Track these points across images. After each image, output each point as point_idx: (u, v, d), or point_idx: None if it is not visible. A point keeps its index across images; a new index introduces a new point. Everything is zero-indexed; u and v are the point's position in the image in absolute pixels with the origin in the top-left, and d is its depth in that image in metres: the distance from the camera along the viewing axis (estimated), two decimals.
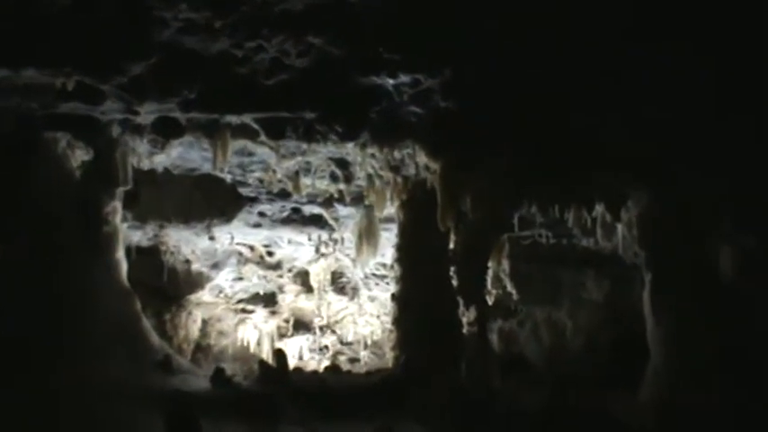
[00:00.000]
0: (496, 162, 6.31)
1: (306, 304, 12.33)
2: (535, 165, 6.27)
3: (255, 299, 12.01)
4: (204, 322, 11.75)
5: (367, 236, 9.23)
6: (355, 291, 12.22)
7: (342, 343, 12.51)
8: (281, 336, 12.33)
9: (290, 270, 11.82)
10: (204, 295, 11.49)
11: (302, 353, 12.39)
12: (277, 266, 11.62)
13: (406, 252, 8.05)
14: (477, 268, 6.89)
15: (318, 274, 11.71)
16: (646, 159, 6.06)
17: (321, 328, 12.46)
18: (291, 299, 12.29)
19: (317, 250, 10.93)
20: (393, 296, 8.21)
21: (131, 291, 7.64)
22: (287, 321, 12.41)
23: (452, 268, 6.98)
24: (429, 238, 7.39)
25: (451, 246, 6.97)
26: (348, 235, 9.97)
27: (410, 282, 7.89)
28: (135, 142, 6.78)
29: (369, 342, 12.39)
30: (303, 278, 11.89)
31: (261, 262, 11.45)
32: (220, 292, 11.78)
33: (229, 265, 11.31)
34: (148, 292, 9.87)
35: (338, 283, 12.10)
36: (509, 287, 9.16)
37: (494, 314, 9.30)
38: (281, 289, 12.08)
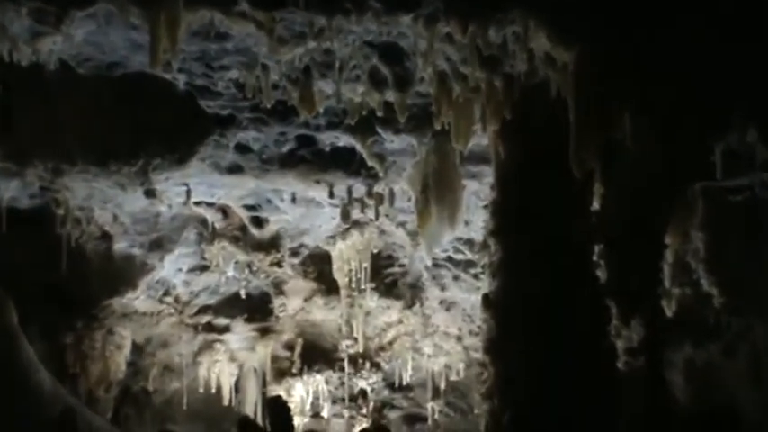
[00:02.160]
0: (682, 48, 6.51)
1: (325, 316, 12.95)
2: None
3: (232, 306, 12.44)
4: (138, 349, 12.36)
5: (438, 189, 9.61)
6: (417, 291, 12.65)
7: (392, 387, 13.11)
8: (280, 374, 12.90)
9: (294, 253, 12.23)
10: (137, 300, 11.91)
11: (320, 404, 12.99)
12: (272, 246, 12.00)
13: (511, 218, 8.23)
14: (643, 248, 7.05)
15: (348, 261, 12.02)
16: None
17: (354, 360, 12.88)
18: (298, 306, 12.74)
19: (346, 216, 11.13)
20: (486, 300, 8.46)
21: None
22: (290, 347, 12.99)
23: (596, 248, 7.18)
24: (552, 193, 7.76)
25: (595, 206, 7.23)
26: (403, 187, 10.29)
27: (517, 274, 8.09)
28: (3, 15, 6.95)
29: (442, 385, 12.83)
30: (320, 268, 12.32)
31: (241, 238, 11.81)
32: (166, 293, 12.26)
33: (183, 243, 11.70)
34: (33, 295, 10.18)
35: (384, 276, 12.49)
36: (705, 284, 9.28)
37: (676, 334, 9.32)
38: (278, 288, 12.49)
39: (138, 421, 11.97)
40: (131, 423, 11.78)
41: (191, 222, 11.58)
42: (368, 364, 12.98)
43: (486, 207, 9.25)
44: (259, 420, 11.27)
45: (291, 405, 9.79)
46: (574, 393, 7.45)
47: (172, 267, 11.96)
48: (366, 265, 12.12)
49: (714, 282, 9.37)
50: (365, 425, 12.40)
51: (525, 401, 7.71)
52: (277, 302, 12.60)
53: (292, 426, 8.20)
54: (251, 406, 12.39)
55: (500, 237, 8.35)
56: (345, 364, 12.90)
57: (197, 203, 11.08)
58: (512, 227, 8.24)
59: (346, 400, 12.95)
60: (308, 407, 12.87)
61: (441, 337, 12.89)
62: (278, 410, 8.14)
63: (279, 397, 8.83)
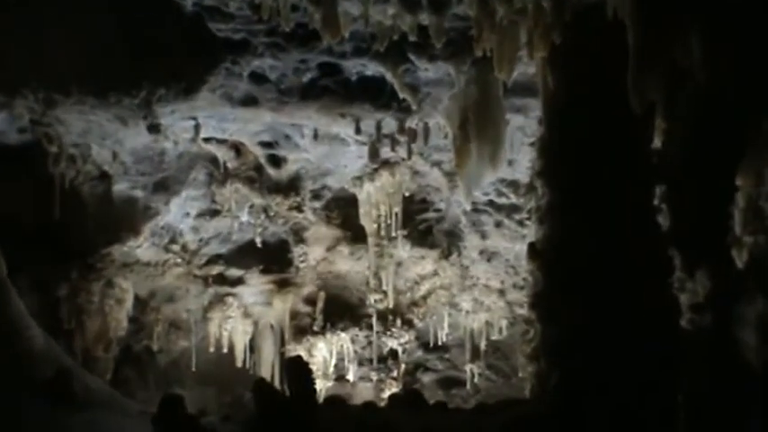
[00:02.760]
0: None
1: (350, 267, 12.98)
2: None
3: (245, 255, 12.50)
4: (140, 303, 12.35)
5: (478, 124, 9.61)
6: (454, 239, 12.69)
7: (426, 347, 13.16)
8: (300, 332, 12.93)
9: (316, 196, 12.35)
10: (139, 248, 12.00)
11: (344, 366, 13.04)
12: (290, 188, 12.11)
13: (561, 157, 8.22)
14: (711, 191, 6.64)
15: (377, 205, 12.13)
16: None
17: (383, 317, 12.96)
18: (320, 255, 12.82)
19: (374, 154, 11.29)
20: (532, 250, 8.55)
21: None
22: (311, 302, 12.98)
23: (657, 191, 6.93)
24: (607, 129, 7.71)
25: (656, 143, 6.93)
26: (439, 122, 10.33)
27: (568, 220, 8.10)
28: None
29: (482, 345, 12.94)
30: (345, 213, 12.44)
31: (257, 179, 11.90)
32: (173, 241, 12.34)
33: (191, 185, 11.80)
34: (23, 242, 10.16)
35: (418, 222, 12.54)
36: None
37: (748, 287, 8.22)
38: (297, 235, 12.59)
39: (140, 384, 11.97)
40: (133, 386, 11.76)
41: (199, 161, 11.58)
42: (399, 322, 12.97)
43: (532, 144, 9.31)
44: (276, 384, 11.34)
45: (313, 367, 9.57)
46: (630, 355, 7.41)
47: (178, 212, 11.97)
48: (397, 209, 12.11)
49: None
50: (395, 389, 12.44)
51: (575, 363, 7.69)
52: (297, 252, 12.58)
53: (314, 390, 8.11)
54: (267, 368, 12.39)
55: (548, 178, 8.34)
56: (374, 321, 12.90)
57: (207, 140, 11.11)
58: (561, 167, 8.21)
59: (374, 362, 12.97)
60: (331, 369, 12.89)
61: (481, 291, 12.86)
62: (298, 373, 8.02)
63: (299, 358, 8.74)
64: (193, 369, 12.56)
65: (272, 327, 12.77)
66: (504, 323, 12.83)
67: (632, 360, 7.46)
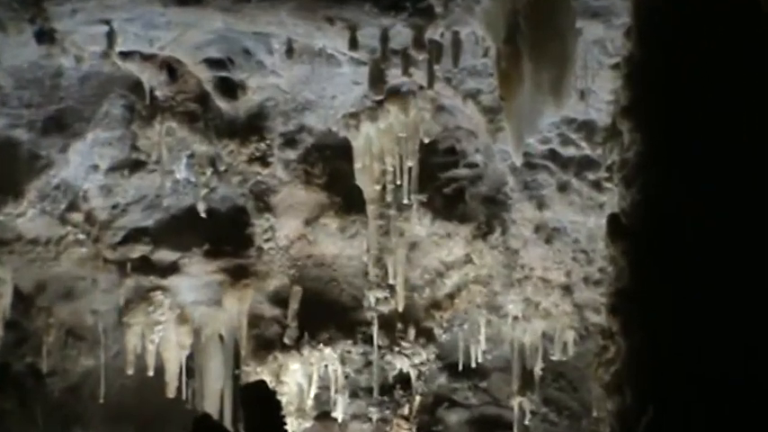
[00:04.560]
0: None
1: (340, 249, 13.23)
2: None
3: (183, 230, 12.78)
4: (23, 301, 12.63)
5: (534, 35, 9.58)
6: (496, 209, 12.90)
7: (453, 371, 13.43)
8: (264, 346, 13.21)
9: (290, 142, 12.61)
10: (22, 218, 12.28)
11: (330, 398, 13.29)
12: (251, 130, 12.45)
13: (660, 87, 8.11)
14: None
15: (380, 156, 12.36)
16: None
17: (388, 324, 13.27)
18: (295, 231, 13.10)
19: (377, 80, 11.38)
20: (615, 225, 8.50)
21: None
22: (281, 302, 13.28)
23: None
24: (725, 44, 7.57)
25: None
26: (476, 32, 10.41)
27: (669, 180, 7.99)
28: None
29: (537, 368, 13.16)
30: (332, 168, 12.70)
31: (200, 116, 12.20)
32: (72, 207, 12.51)
33: (101, 124, 12.03)
34: None
35: (442, 182, 12.74)
36: None
37: None
38: (261, 200, 12.84)
39: (22, 420, 12.11)
40: (11, 423, 11.92)
41: (114, 88, 11.65)
42: (412, 332, 13.17)
43: (615, 67, 9.31)
44: (227, 423, 11.52)
45: (282, 398, 9.53)
46: (763, 386, 7.35)
47: (81, 164, 12.07)
48: (411, 163, 12.15)
49: None
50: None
51: (679, 397, 7.56)
52: (259, 225, 12.76)
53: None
54: (213, 399, 12.61)
55: (640, 118, 8.28)
56: (374, 330, 13.06)
57: (125, 55, 11.13)
58: (660, 101, 8.08)
59: (375, 393, 13.15)
60: (309, 402, 13.04)
61: (536, 288, 12.97)
62: (260, 406, 7.97)
63: (262, 384, 8.57)
64: (101, 400, 12.66)
65: (221, 338, 12.98)
66: (570, 336, 12.95)
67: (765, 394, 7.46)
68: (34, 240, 12.23)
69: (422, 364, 13.17)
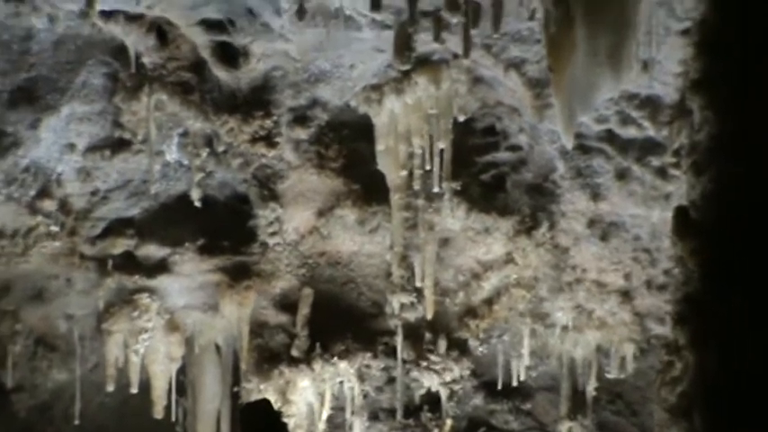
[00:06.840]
0: None
1: (359, 246, 13.37)
2: None
3: (173, 222, 12.88)
4: None
5: None
6: (543, 200, 13.00)
7: (492, 390, 13.57)
8: (268, 359, 13.28)
9: (301, 119, 12.60)
10: None
11: (345, 420, 13.43)
12: (255, 105, 12.52)
13: (739, 59, 8.01)
14: None
15: (406, 136, 12.47)
16: None
17: (415, 334, 13.42)
18: (306, 224, 13.19)
19: (404, 46, 11.44)
20: (682, 219, 8.37)
21: None
22: (289, 307, 13.36)
23: None
24: None
25: None
26: None
27: (748, 168, 7.84)
28: None
29: (591, 387, 13.32)
30: (350, 150, 12.85)
31: (195, 87, 12.20)
32: (44, 193, 12.56)
33: (78, 96, 12.08)
34: None
35: (479, 168, 12.88)
36: None
37: None
38: (266, 188, 12.95)
39: None
40: None
41: (93, 53, 11.68)
42: (442, 344, 13.27)
43: (685, 33, 9.32)
44: None
45: (289, 421, 9.45)
46: None
47: (55, 143, 12.13)
48: (443, 145, 12.20)
49: None
50: None
51: (757, 420, 7.37)
52: (264, 217, 12.85)
53: None
54: (209, 421, 12.70)
55: (714, 93, 8.24)
56: (398, 342, 13.21)
57: (106, 15, 11.16)
58: (738, 73, 7.96)
59: (399, 415, 13.29)
60: (321, 425, 13.14)
61: (590, 293, 13.05)
62: (263, 430, 8.05)
63: (265, 405, 8.62)
64: (76, 421, 12.81)
65: (217, 349, 13.07)
66: (630, 350, 13.00)
67: None
68: None
69: (454, 381, 13.23)
